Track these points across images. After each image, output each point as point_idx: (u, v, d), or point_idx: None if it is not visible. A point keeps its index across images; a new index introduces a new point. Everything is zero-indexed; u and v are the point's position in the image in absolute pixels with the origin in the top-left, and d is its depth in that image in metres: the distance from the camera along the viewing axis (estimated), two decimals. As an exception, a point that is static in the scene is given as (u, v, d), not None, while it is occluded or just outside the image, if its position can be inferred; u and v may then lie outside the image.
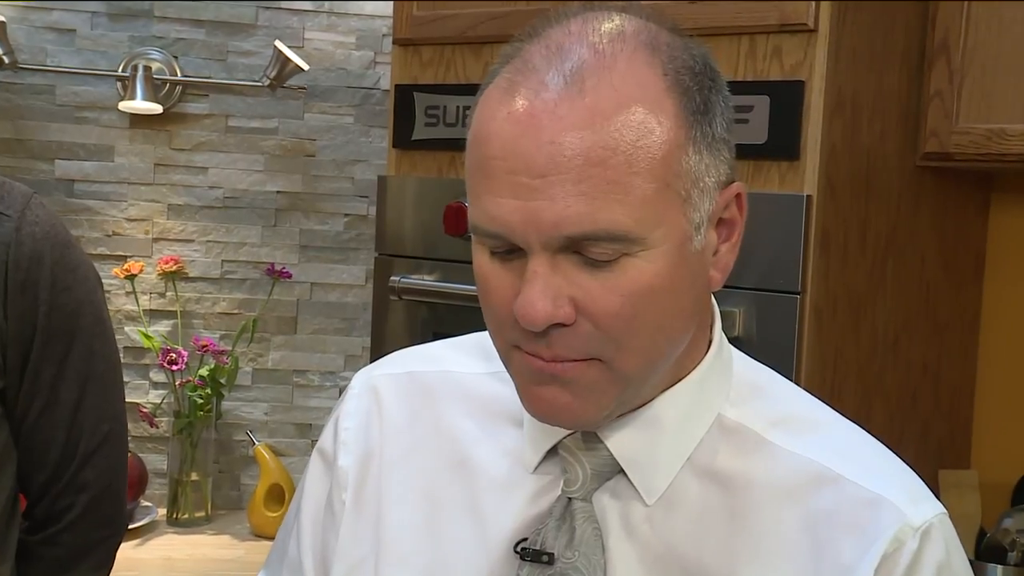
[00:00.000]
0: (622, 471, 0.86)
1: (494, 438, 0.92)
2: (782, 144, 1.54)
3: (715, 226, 0.82)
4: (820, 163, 1.52)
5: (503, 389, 0.90)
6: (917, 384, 1.77)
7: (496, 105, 0.77)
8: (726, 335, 0.93)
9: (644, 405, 0.85)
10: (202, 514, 2.24)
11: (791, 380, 1.55)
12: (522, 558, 0.86)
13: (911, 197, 1.72)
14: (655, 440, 0.85)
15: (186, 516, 2.22)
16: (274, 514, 2.16)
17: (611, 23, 0.80)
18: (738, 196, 0.83)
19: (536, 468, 0.89)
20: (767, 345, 1.52)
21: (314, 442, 1.05)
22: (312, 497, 0.99)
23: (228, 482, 2.36)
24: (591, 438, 0.86)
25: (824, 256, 1.54)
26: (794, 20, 1.52)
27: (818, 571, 0.82)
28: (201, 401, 2.22)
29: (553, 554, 0.85)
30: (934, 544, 0.82)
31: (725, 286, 1.56)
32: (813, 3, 1.51)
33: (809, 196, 1.52)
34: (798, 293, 1.52)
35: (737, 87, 1.60)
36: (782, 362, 1.53)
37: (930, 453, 1.82)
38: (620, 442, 0.85)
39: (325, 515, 0.97)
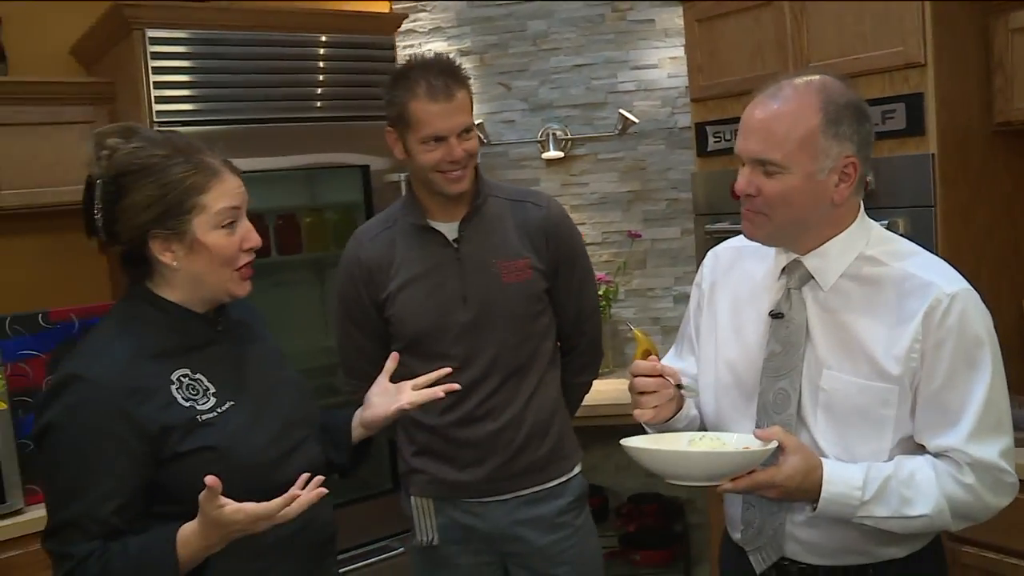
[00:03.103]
0: (813, 277, 1.53)
1: (765, 268, 1.62)
2: None
3: (838, 173, 1.48)
4: None
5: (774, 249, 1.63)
6: None
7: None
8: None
9: (819, 247, 1.53)
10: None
11: None
12: (771, 317, 1.57)
13: None
14: (825, 261, 1.53)
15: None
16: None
17: (812, 80, 1.49)
18: (853, 163, 1.46)
19: (779, 277, 1.58)
20: None
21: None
22: (693, 303, 1.79)
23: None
24: (797, 263, 1.55)
25: None
26: None
27: (901, 317, 1.46)
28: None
29: (783, 314, 1.54)
30: (959, 302, 1.45)
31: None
32: None
33: None
34: None
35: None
36: None
37: None
38: (810, 262, 1.54)
39: (696, 312, 1.76)
